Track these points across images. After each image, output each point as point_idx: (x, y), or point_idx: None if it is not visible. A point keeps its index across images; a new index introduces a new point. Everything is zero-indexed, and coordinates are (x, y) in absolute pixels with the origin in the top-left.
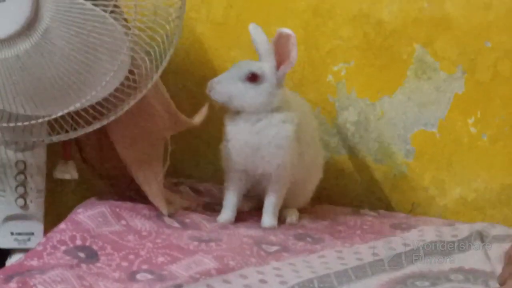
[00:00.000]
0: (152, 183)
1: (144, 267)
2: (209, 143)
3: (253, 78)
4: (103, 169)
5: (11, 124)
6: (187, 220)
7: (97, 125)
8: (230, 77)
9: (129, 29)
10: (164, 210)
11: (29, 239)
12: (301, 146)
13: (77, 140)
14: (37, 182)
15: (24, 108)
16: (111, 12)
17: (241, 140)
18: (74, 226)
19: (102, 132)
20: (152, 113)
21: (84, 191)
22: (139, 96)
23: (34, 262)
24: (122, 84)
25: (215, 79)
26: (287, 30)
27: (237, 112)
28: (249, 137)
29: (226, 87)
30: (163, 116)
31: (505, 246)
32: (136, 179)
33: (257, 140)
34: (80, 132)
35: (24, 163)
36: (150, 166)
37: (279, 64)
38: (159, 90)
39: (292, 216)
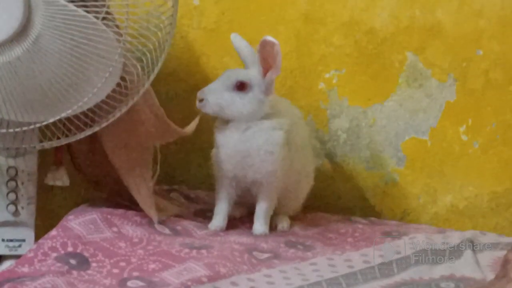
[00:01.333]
0: (142, 190)
1: (135, 274)
2: (200, 150)
3: (241, 86)
4: (95, 176)
5: (3, 131)
6: (179, 227)
7: (88, 132)
8: (218, 88)
9: (121, 35)
10: (154, 217)
11: (20, 246)
12: (291, 153)
13: (68, 147)
14: (28, 189)
15: (16, 115)
16: (103, 19)
17: (231, 147)
18: (66, 233)
19: (94, 138)
20: (142, 121)
21: (76, 198)
22: (130, 103)
23: (25, 269)
24: (113, 91)
25: (204, 91)
26: (270, 38)
27: (227, 120)
28: (238, 144)
29: (215, 98)
30: (153, 124)
31: (496, 254)
32: (127, 185)
33: (247, 147)
34: (72, 139)
35: (16, 169)
36: (140, 173)
37: (265, 71)
38: (150, 98)
39: (284, 223)
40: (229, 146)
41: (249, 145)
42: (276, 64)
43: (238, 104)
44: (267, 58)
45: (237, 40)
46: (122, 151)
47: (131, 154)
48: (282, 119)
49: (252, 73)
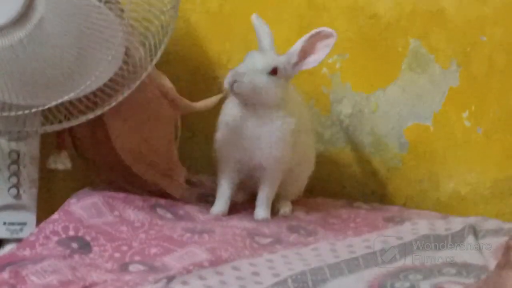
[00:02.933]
0: (151, 171)
1: (137, 258)
2: (203, 135)
3: (274, 72)
4: (96, 160)
5: (5, 114)
6: (180, 212)
7: (91, 115)
8: (255, 70)
9: (124, 19)
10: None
11: (21, 229)
12: (296, 137)
13: (70, 130)
14: (30, 172)
15: (18, 98)
16: (106, 2)
17: (242, 131)
18: (67, 217)
19: (97, 122)
20: (150, 99)
21: (78, 182)
22: (133, 86)
23: (27, 252)
24: (116, 74)
25: (239, 70)
26: (329, 29)
27: (242, 103)
28: (251, 128)
29: (252, 79)
30: (161, 102)
31: (498, 240)
32: (137, 169)
33: (259, 132)
34: (74, 122)
35: (18, 153)
36: (155, 153)
37: (299, 60)
38: (155, 77)
39: (286, 208)
40: (240, 129)
41: (262, 130)
42: (319, 57)
43: (271, 88)
44: (310, 47)
45: (259, 22)
46: (130, 133)
47: (141, 135)
48: (292, 105)
49: (280, 59)
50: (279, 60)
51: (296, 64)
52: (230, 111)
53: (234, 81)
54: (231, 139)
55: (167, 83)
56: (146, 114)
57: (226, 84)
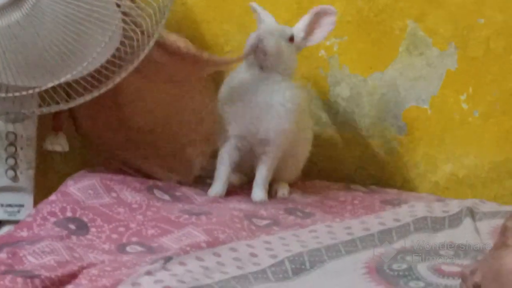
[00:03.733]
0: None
1: (134, 239)
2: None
3: (292, 40)
4: (98, 139)
5: (2, 95)
6: (178, 193)
7: (88, 97)
8: (278, 34)
9: (121, 0)
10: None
11: (18, 211)
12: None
13: (71, 111)
14: (27, 154)
15: (15, 79)
16: None
17: (251, 97)
18: (65, 198)
19: (99, 101)
20: (163, 63)
21: (75, 164)
22: (130, 68)
23: (24, 233)
24: (113, 56)
25: (261, 33)
26: (330, 7)
27: (259, 66)
28: (261, 95)
29: (278, 40)
30: (177, 64)
31: (495, 222)
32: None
33: (269, 101)
34: (71, 104)
35: (15, 134)
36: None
37: (306, 35)
38: (166, 45)
39: (283, 190)
40: (248, 95)
41: (273, 98)
42: (322, 34)
43: (292, 54)
44: (316, 23)
45: (259, 9)
46: (151, 108)
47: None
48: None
49: (295, 30)
50: (294, 30)
51: (303, 39)
52: (239, 75)
53: (261, 40)
54: (238, 109)
55: (181, 43)
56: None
57: (249, 44)
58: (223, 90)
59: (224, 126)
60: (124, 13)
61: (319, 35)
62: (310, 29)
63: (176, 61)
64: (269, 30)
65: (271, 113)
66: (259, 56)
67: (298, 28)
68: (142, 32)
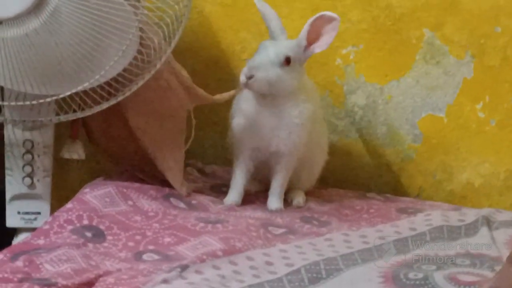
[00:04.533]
0: (170, 162)
1: (151, 247)
2: (216, 125)
3: (287, 61)
4: (110, 149)
5: (19, 103)
6: (194, 202)
7: (105, 105)
8: (266, 64)
9: (138, 9)
10: (182, 188)
11: (35, 219)
12: (313, 124)
13: (84, 120)
14: (44, 162)
15: (32, 87)
16: None
17: (260, 119)
18: (81, 206)
19: (111, 111)
20: (171, 87)
21: (92, 171)
22: (147, 76)
23: (41, 241)
24: (130, 64)
25: (251, 68)
26: (330, 13)
27: (257, 95)
28: (269, 117)
29: (264, 75)
30: (178, 91)
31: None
32: (154, 158)
33: (277, 120)
34: (88, 112)
35: (32, 142)
36: (170, 144)
37: (309, 44)
38: (172, 65)
39: (299, 199)
40: (257, 118)
41: (280, 118)
42: (327, 40)
43: (286, 79)
44: (317, 31)
45: (262, 5)
46: (148, 122)
47: (158, 125)
48: (308, 92)
49: (292, 46)
50: (290, 48)
51: (307, 47)
52: (246, 99)
53: (249, 77)
54: (249, 126)
55: (184, 72)
56: (162, 102)
57: (242, 79)
58: (234, 105)
59: (237, 138)
60: (142, 22)
61: (323, 42)
62: (313, 37)
63: (171, 92)
64: (259, 63)
65: (280, 130)
66: (253, 90)
67: (300, 37)
68: (159, 41)
